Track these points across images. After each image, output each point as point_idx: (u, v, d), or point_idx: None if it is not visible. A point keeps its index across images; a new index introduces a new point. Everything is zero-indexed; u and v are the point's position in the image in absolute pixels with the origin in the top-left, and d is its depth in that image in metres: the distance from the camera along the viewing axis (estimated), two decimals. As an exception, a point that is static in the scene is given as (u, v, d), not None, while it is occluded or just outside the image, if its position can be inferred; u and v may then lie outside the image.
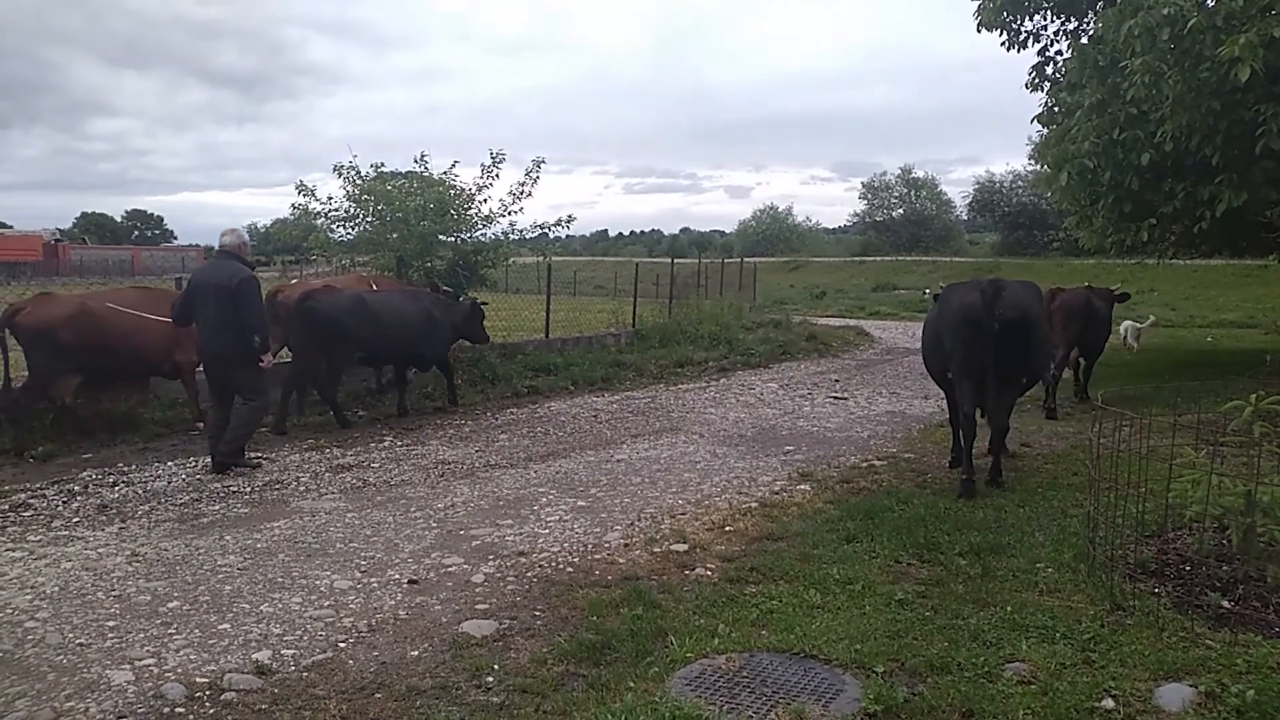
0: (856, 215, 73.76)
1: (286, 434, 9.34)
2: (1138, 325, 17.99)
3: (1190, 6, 9.51)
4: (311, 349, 9.68)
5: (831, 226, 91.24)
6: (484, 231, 13.78)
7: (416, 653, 4.24)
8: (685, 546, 5.75)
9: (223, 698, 3.79)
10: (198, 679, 3.95)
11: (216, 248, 8.22)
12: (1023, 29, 14.66)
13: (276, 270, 56.25)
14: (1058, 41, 14.76)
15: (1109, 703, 3.58)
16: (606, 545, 5.84)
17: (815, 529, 6.03)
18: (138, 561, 5.47)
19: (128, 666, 4.06)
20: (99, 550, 5.68)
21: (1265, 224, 11.49)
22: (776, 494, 7.12)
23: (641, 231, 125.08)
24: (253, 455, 8.16)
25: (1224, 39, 9.00)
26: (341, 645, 4.32)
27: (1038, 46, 14.86)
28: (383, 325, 9.93)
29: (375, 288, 11.15)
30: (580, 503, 6.89)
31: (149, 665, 4.08)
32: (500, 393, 12.14)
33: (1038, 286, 7.90)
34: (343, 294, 10.12)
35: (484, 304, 11.89)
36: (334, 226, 13.71)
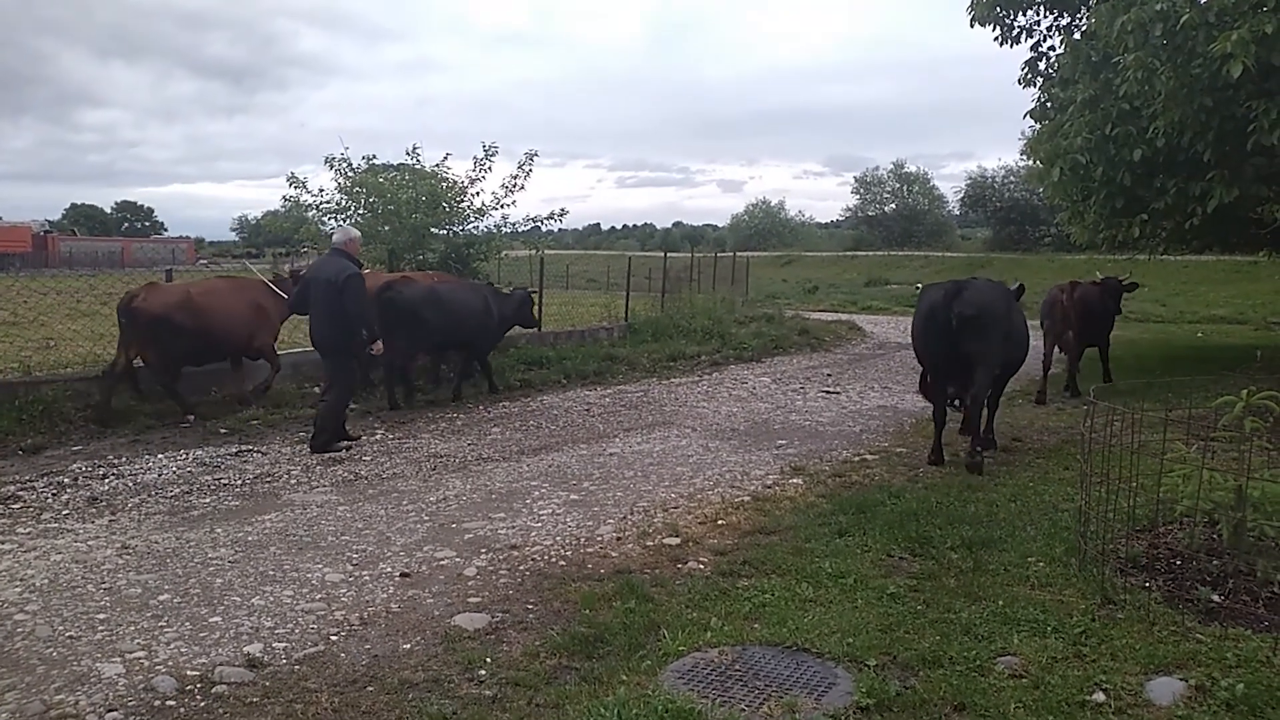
0: (849, 210, 73.77)
1: (400, 408, 10.45)
2: None
3: (1183, 2, 9.51)
4: (389, 336, 10.10)
5: (824, 221, 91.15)
6: (476, 224, 13.77)
7: (408, 646, 4.23)
8: (678, 540, 5.75)
9: (214, 690, 3.78)
10: (188, 672, 3.94)
11: (331, 245, 8.76)
12: (1016, 24, 14.65)
13: (267, 262, 56.12)
14: (1050, 37, 14.77)
15: (1100, 696, 3.60)
16: (599, 539, 5.84)
17: (807, 523, 6.03)
18: (128, 554, 5.45)
19: (118, 659, 4.04)
20: (89, 543, 5.65)
21: (1256, 220, 11.51)
22: (769, 488, 7.13)
23: (634, 225, 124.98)
24: (344, 442, 8.49)
25: (1216, 35, 9.02)
26: (333, 638, 4.31)
27: (1030, 42, 14.86)
28: (452, 314, 10.65)
29: (436, 281, 11.59)
30: (573, 496, 6.89)
31: (139, 658, 4.06)
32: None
33: (1006, 286, 8.36)
34: (419, 285, 10.75)
35: (533, 292, 12.50)
36: (325, 219, 13.69)
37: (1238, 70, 8.79)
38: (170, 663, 4.03)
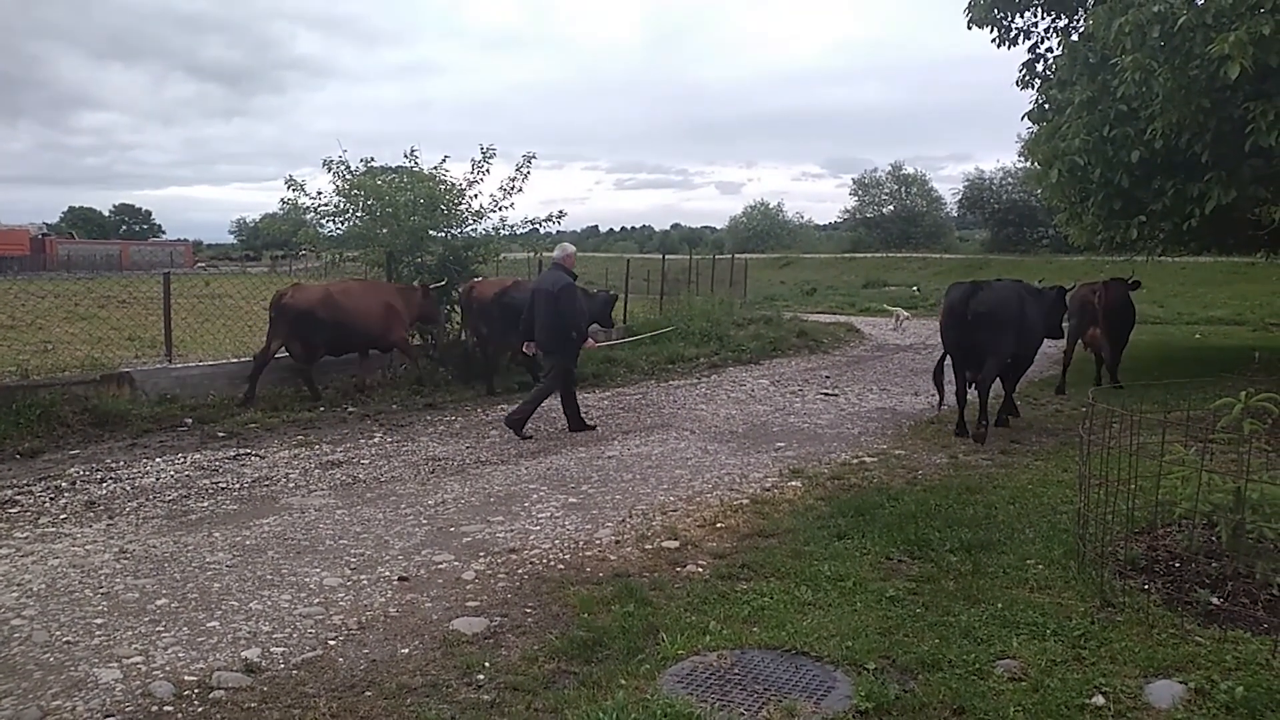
0: (847, 212, 73.55)
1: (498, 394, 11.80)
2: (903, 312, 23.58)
3: (1181, 4, 9.53)
4: (506, 334, 11.56)
5: (822, 223, 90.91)
6: (474, 227, 13.74)
7: (407, 650, 4.22)
8: (677, 543, 5.75)
9: (211, 696, 3.77)
10: (186, 677, 3.92)
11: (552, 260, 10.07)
12: (1013, 26, 14.66)
13: (265, 265, 56.15)
14: (1048, 38, 14.78)
15: (1099, 699, 3.59)
16: (598, 542, 5.83)
17: (806, 526, 6.03)
18: (126, 559, 5.44)
19: (115, 665, 4.03)
20: (86, 547, 5.64)
21: (1253, 221, 11.51)
22: (768, 490, 7.12)
23: (633, 227, 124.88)
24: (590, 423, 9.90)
25: (1214, 37, 9.02)
26: (331, 643, 4.30)
27: (1028, 43, 14.87)
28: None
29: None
30: (571, 499, 6.88)
31: (137, 663, 4.05)
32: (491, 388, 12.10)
33: (1020, 286, 9.48)
34: (530, 286, 11.95)
35: (615, 295, 13.98)
36: (323, 221, 13.67)
37: (1235, 72, 8.79)
38: (168, 668, 4.01)
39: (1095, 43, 11.25)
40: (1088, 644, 4.09)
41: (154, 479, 7.38)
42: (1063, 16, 14.41)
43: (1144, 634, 4.16)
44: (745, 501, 6.77)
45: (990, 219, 59.96)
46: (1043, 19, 14.62)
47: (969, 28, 14.59)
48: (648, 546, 5.70)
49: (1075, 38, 13.14)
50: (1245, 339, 20.35)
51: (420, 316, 12.24)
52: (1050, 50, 14.68)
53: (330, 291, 11.00)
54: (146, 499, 6.80)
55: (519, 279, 13.42)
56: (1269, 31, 8.68)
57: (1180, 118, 10.23)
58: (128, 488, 7.11)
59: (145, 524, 6.18)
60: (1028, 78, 15.00)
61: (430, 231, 13.24)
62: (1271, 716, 3.40)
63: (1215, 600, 4.42)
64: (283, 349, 10.76)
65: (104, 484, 7.20)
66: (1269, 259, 19.31)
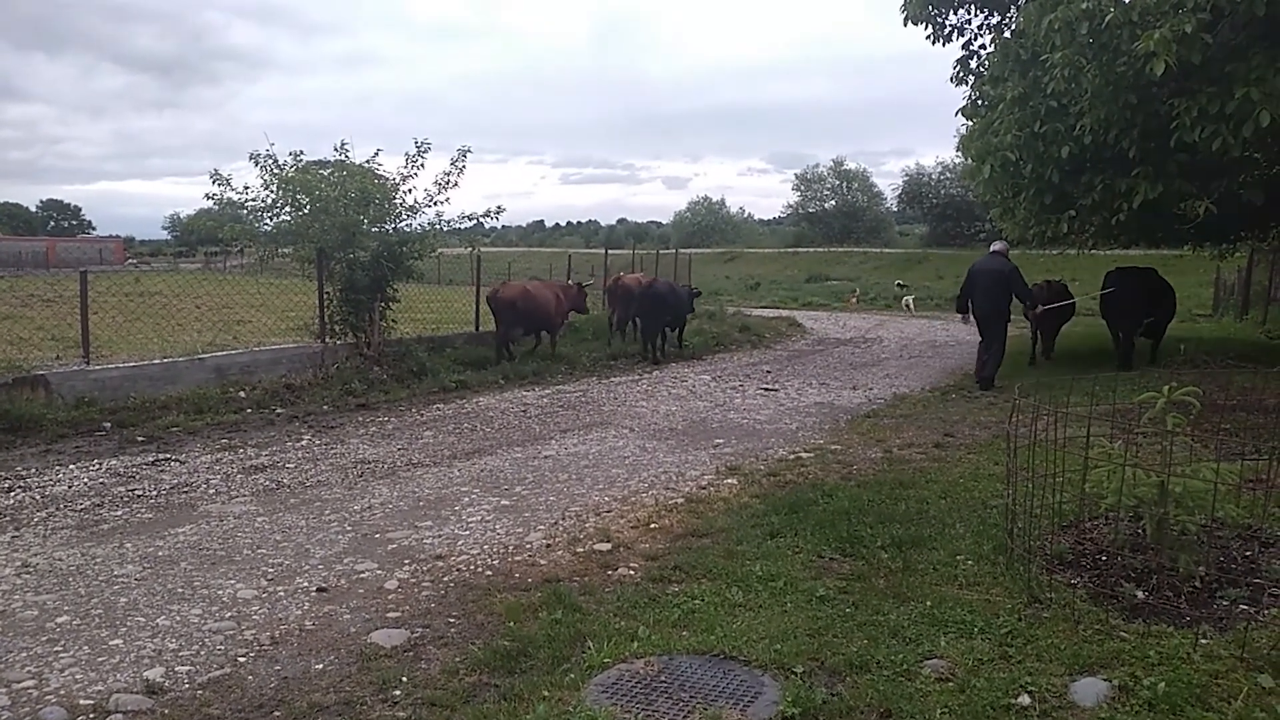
0: (790, 207, 74.29)
1: (660, 363, 15.17)
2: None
3: (1108, 2, 9.67)
4: (650, 316, 15.46)
5: (766, 217, 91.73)
6: (409, 222, 13.44)
7: (321, 666, 4.04)
8: (609, 545, 5.63)
9: (108, 720, 3.56)
10: (81, 700, 3.70)
11: (990, 249, 12.82)
12: (947, 23, 14.79)
13: (199, 262, 54.82)
14: (981, 35, 14.96)
15: (1025, 699, 3.56)
16: (528, 546, 5.69)
17: (740, 524, 5.96)
18: (28, 573, 5.17)
19: (3, 690, 3.78)
20: (-14, 562, 5.34)
21: (1179, 215, 11.78)
22: (703, 489, 7.04)
23: (578, 222, 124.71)
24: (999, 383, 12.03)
25: (1140, 34, 9.17)
26: (241, 659, 4.10)
27: (962, 40, 15.03)
28: (674, 302, 15.61)
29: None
30: (504, 502, 6.73)
31: (28, 687, 3.81)
32: (427, 388, 11.89)
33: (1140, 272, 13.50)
34: (663, 282, 16.49)
35: (696, 291, 18.11)
36: (257, 217, 13.25)
37: (1160, 69, 8.95)
38: (62, 691, 3.79)
39: (1026, 40, 11.39)
40: (1015, 641, 4.07)
41: (66, 487, 7.07)
42: (995, 14, 14.58)
43: (1070, 630, 4.15)
44: (680, 501, 6.68)
45: (929, 214, 61.00)
46: (976, 16, 14.79)
47: (905, 25, 14.69)
48: (579, 550, 5.58)
49: (1007, 34, 13.30)
50: (1171, 330, 20.82)
51: (573, 307, 15.34)
52: (983, 47, 14.85)
53: (526, 287, 14.58)
54: (57, 508, 6.50)
55: (655, 277, 17.76)
56: (1191, 29, 8.85)
57: (1108, 114, 10.40)
58: (37, 497, 6.79)
59: (53, 535, 5.89)
60: (962, 74, 15.17)
61: (364, 226, 12.91)
62: (1192, 711, 3.40)
63: (1140, 594, 4.44)
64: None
65: (12, 493, 6.87)
66: (1194, 251, 19.83)
